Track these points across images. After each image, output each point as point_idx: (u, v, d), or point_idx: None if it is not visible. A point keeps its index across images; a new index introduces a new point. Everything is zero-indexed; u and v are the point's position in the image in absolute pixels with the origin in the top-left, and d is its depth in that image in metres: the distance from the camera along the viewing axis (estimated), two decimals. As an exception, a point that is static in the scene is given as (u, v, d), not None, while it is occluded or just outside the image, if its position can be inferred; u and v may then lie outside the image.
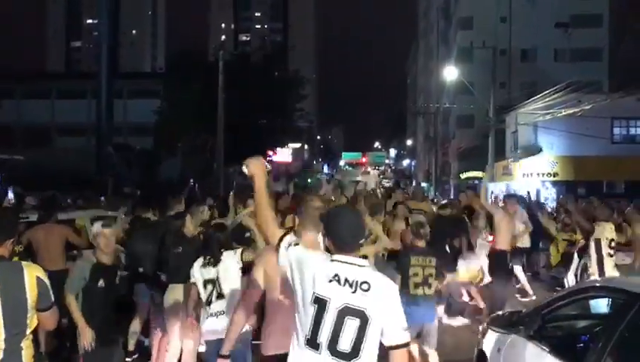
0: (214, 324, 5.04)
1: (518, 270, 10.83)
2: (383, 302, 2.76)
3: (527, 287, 10.72)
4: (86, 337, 4.59)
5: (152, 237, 6.45)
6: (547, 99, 25.53)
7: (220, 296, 5.10)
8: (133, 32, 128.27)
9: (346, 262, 2.80)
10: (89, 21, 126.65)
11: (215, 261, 5.14)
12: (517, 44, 47.28)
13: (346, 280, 2.75)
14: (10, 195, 11.67)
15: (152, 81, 46.20)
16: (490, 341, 4.74)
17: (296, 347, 2.85)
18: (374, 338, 2.74)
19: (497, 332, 4.38)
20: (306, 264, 2.84)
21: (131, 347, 7.01)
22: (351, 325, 2.72)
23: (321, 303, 2.75)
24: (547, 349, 3.78)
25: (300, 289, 2.85)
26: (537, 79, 39.88)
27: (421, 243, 6.20)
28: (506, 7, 48.41)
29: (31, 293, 3.16)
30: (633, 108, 26.50)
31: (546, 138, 29.20)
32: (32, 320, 3.22)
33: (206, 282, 5.15)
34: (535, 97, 27.52)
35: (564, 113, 24.74)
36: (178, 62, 36.09)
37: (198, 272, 5.20)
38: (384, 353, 2.81)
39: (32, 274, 3.18)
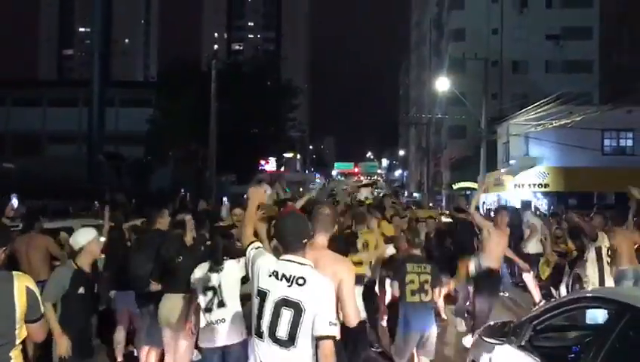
0: (213, 332, 5.01)
1: (527, 278, 10.61)
2: (317, 295, 3.07)
3: (537, 297, 10.47)
4: (62, 346, 4.48)
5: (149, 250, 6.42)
6: (538, 111, 25.68)
7: (222, 304, 5.05)
8: (126, 40, 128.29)
9: (289, 261, 3.18)
10: (81, 29, 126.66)
11: (217, 268, 5.11)
12: (508, 55, 47.66)
13: (283, 276, 3.13)
14: (15, 203, 11.50)
15: (144, 89, 46.13)
16: (481, 351, 4.72)
17: (252, 336, 3.27)
18: (308, 328, 3.04)
19: (489, 342, 4.36)
20: (255, 262, 3.28)
21: (119, 357, 6.96)
22: (286, 315, 3.06)
23: (262, 295, 3.15)
24: (538, 359, 3.77)
25: (251, 284, 3.28)
26: (528, 90, 40.16)
27: (416, 251, 6.30)
28: (498, 19, 48.85)
29: (20, 304, 3.10)
30: (623, 120, 26.70)
31: (538, 149, 29.36)
32: (21, 331, 3.16)
33: (206, 289, 5.11)
34: (526, 108, 27.68)
35: (555, 124, 24.88)
36: (170, 71, 36.05)
37: (200, 278, 5.17)
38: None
39: (21, 285, 3.13)
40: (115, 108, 42.24)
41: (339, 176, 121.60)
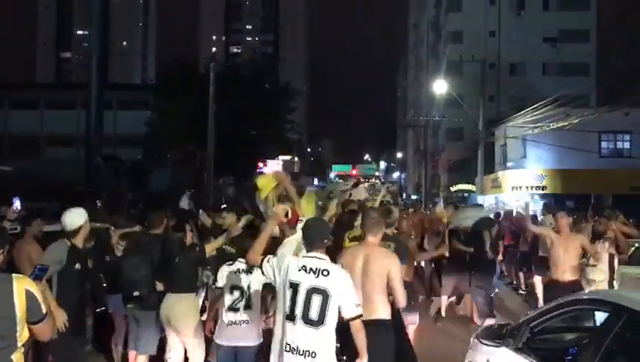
0: (235, 332, 5.14)
1: (537, 280, 10.59)
2: (339, 283, 3.86)
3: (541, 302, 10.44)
4: (59, 318, 4.51)
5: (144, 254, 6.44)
6: (536, 113, 25.75)
7: (248, 306, 5.17)
8: (124, 43, 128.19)
9: (313, 257, 3.95)
10: (79, 32, 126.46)
11: (250, 269, 5.18)
12: (506, 58, 47.78)
13: (311, 269, 3.88)
14: (17, 205, 11.46)
15: (143, 92, 46.21)
16: (478, 353, 4.74)
17: (278, 323, 3.96)
18: (334, 310, 3.83)
19: (486, 344, 4.38)
20: (282, 261, 4.00)
21: (117, 360, 6.95)
22: (316, 300, 3.80)
23: (294, 286, 3.86)
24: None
25: (279, 281, 3.98)
26: (526, 93, 40.22)
27: (387, 230, 6.06)
28: (495, 21, 48.97)
29: (20, 306, 3.08)
30: (620, 122, 26.76)
31: (535, 151, 29.42)
32: (23, 333, 3.14)
33: (234, 288, 5.21)
34: (524, 111, 27.75)
35: (552, 127, 24.95)
36: (168, 73, 36.04)
37: (227, 277, 5.26)
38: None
39: (21, 287, 3.11)
40: (113, 110, 42.21)
41: (336, 179, 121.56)
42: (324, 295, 3.80)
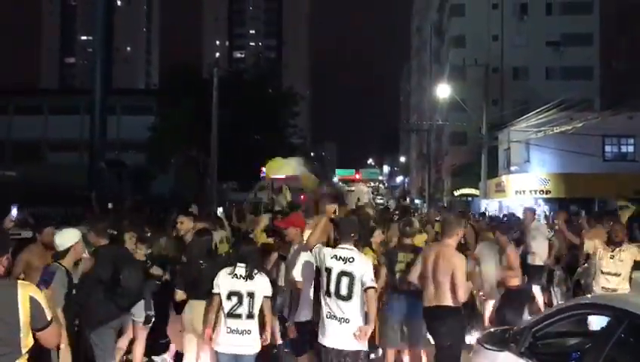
0: (235, 340, 5.13)
1: (536, 290, 10.35)
2: (362, 267, 5.01)
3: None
4: (66, 358, 4.63)
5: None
6: (539, 117, 25.70)
7: (251, 315, 5.17)
8: (128, 48, 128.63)
9: (343, 248, 5.14)
10: (83, 37, 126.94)
11: (249, 275, 5.19)
12: (509, 62, 47.74)
13: (341, 257, 5.07)
14: (14, 213, 11.47)
15: (146, 97, 46.26)
16: (481, 358, 4.72)
17: (321, 297, 5.18)
18: (359, 287, 4.96)
19: (489, 349, 4.37)
20: (321, 252, 5.22)
21: None
22: (345, 281, 4.99)
23: (328, 271, 5.06)
24: (538, 366, 3.78)
25: (321, 265, 5.17)
26: (529, 97, 40.18)
27: (407, 241, 6.47)
28: (498, 25, 48.97)
29: (24, 313, 3.07)
30: (624, 125, 26.67)
31: (539, 155, 29.36)
32: (27, 340, 3.12)
33: (231, 294, 5.17)
34: (527, 115, 27.70)
35: (556, 131, 24.89)
36: (172, 78, 36.11)
37: (224, 283, 5.21)
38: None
39: (25, 294, 3.10)
40: (116, 115, 42.32)
41: (340, 183, 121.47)
42: (351, 276, 4.95)
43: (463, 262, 5.58)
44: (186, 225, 6.71)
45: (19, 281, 3.20)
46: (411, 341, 6.36)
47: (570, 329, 4.36)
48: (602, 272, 6.93)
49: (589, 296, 6.34)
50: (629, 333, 3.19)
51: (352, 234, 5.21)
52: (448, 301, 5.53)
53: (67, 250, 4.98)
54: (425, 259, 5.80)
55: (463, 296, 5.46)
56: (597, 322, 4.58)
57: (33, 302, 3.11)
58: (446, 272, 5.51)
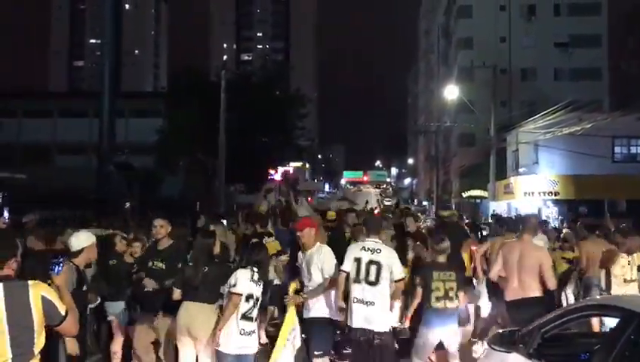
0: (242, 340, 5.24)
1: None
2: (388, 257, 5.90)
3: None
4: (73, 346, 4.68)
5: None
6: (548, 118, 25.59)
7: (256, 318, 5.41)
8: (136, 51, 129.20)
9: (370, 240, 6.01)
10: (92, 41, 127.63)
11: (260, 281, 5.37)
12: (517, 63, 47.64)
13: (369, 248, 5.92)
14: (6, 215, 11.62)
15: (154, 100, 46.44)
16: (491, 359, 4.71)
17: (350, 284, 5.86)
18: (386, 275, 5.80)
19: (498, 350, 4.35)
20: (350, 247, 6.21)
21: None
22: (373, 269, 5.79)
23: (358, 260, 5.86)
24: (547, 367, 3.77)
25: (348, 257, 5.93)
26: (537, 98, 40.06)
27: (441, 258, 6.36)
28: (506, 27, 48.89)
29: (37, 312, 3.11)
30: (634, 126, 26.48)
31: (547, 157, 29.23)
32: (40, 340, 3.16)
33: (249, 297, 5.30)
34: (536, 116, 27.58)
35: (564, 132, 24.77)
36: (180, 81, 36.23)
37: (245, 285, 5.29)
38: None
39: (37, 293, 3.14)
40: (125, 118, 42.50)
41: (348, 185, 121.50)
42: (378, 265, 5.78)
43: (547, 254, 6.48)
44: (164, 230, 6.35)
45: (29, 282, 3.21)
46: (438, 351, 6.35)
47: (579, 330, 4.32)
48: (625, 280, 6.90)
49: (597, 296, 6.33)
50: (638, 334, 3.17)
51: (378, 230, 6.21)
52: (535, 292, 6.18)
53: (80, 251, 5.16)
54: (505, 256, 6.40)
55: (553, 285, 6.26)
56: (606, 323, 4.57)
57: (45, 301, 3.15)
58: (532, 266, 6.22)
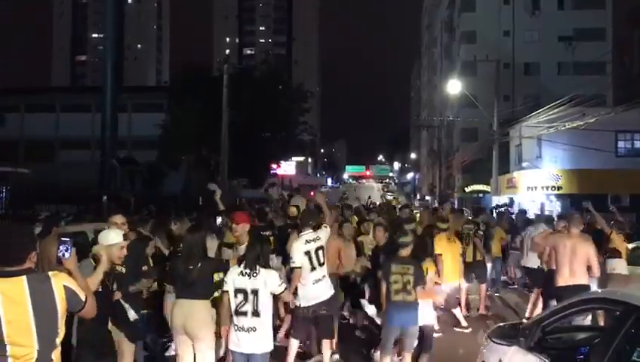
0: (242, 338, 5.11)
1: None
2: (324, 240, 6.69)
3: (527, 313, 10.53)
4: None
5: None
6: (551, 113, 25.54)
7: (256, 313, 5.11)
8: (138, 46, 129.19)
9: (307, 233, 6.65)
10: (94, 35, 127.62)
11: (250, 272, 5.15)
12: (520, 57, 47.50)
13: (310, 240, 6.52)
14: None
15: (157, 94, 46.46)
16: (491, 352, 4.72)
17: (307, 274, 6.45)
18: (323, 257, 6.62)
19: (498, 343, 4.37)
20: (295, 244, 6.66)
21: None
22: (320, 253, 6.55)
23: (307, 253, 6.47)
24: (547, 360, 3.77)
25: (298, 252, 6.47)
26: (541, 92, 39.94)
27: (403, 252, 6.43)
28: (509, 21, 48.71)
29: (61, 302, 3.16)
30: (637, 121, 26.41)
31: (550, 151, 29.17)
32: (62, 330, 3.21)
33: (237, 291, 5.16)
34: (539, 110, 27.52)
35: (568, 126, 24.71)
36: (182, 76, 36.25)
37: (231, 280, 5.19)
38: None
39: (59, 283, 3.19)
40: (127, 113, 42.54)
41: (350, 180, 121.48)
42: (323, 249, 6.69)
43: (594, 246, 7.26)
44: (125, 228, 5.93)
45: (50, 273, 3.25)
46: (403, 346, 6.47)
47: (580, 324, 4.33)
48: None
49: (598, 290, 6.37)
50: (637, 328, 3.17)
51: (311, 222, 6.65)
52: (583, 279, 6.98)
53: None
54: (557, 247, 7.22)
55: (598, 272, 7.09)
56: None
57: (68, 291, 3.21)
58: (582, 256, 7.03)
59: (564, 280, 7.07)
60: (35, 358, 3.07)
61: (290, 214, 9.83)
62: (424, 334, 6.79)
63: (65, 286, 3.20)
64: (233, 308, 5.14)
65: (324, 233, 6.68)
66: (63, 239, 3.56)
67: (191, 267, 5.41)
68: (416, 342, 6.58)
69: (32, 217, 13.21)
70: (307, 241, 6.49)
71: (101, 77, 22.00)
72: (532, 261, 10.23)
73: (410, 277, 6.23)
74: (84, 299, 3.29)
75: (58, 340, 3.19)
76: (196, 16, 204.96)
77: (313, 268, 6.44)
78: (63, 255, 3.52)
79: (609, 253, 8.92)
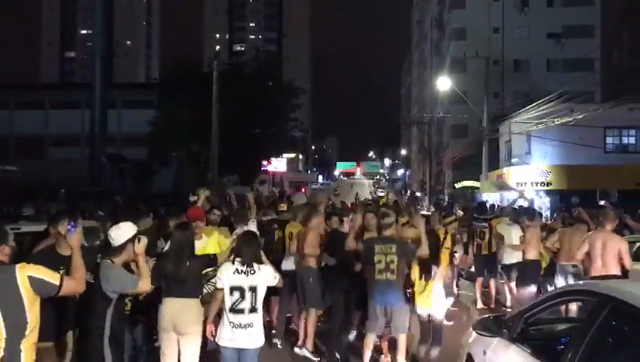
0: (238, 334, 5.11)
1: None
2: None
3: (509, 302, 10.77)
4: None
5: None
6: (540, 109, 25.69)
7: (254, 309, 5.13)
8: (128, 42, 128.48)
9: (240, 228, 7.09)
10: (83, 31, 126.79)
11: (246, 269, 5.15)
12: (510, 54, 47.73)
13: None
14: None
15: (146, 91, 46.26)
16: (476, 344, 4.80)
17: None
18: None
19: (483, 335, 4.43)
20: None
21: None
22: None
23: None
24: (529, 351, 3.84)
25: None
26: (530, 89, 40.14)
27: (385, 232, 6.53)
28: (499, 18, 48.91)
29: (26, 293, 3.25)
30: (625, 117, 26.68)
31: (539, 147, 29.35)
32: (32, 313, 3.30)
33: (233, 289, 5.14)
34: (528, 107, 27.68)
35: (557, 123, 24.88)
36: (172, 72, 36.12)
37: (226, 278, 5.17)
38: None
39: (23, 275, 3.28)
40: (117, 110, 42.39)
41: (341, 176, 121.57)
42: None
43: (625, 241, 7.98)
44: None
45: (17, 265, 3.36)
46: (394, 328, 6.55)
47: (560, 316, 4.40)
48: None
49: (580, 282, 6.48)
50: (611, 318, 3.26)
51: (244, 219, 7.35)
52: (614, 270, 7.51)
53: (123, 247, 4.56)
54: (592, 242, 7.72)
55: (629, 265, 7.55)
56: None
57: (33, 280, 3.30)
58: (613, 249, 7.55)
59: (596, 271, 7.65)
60: (2, 347, 3.18)
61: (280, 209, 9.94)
62: (433, 328, 6.83)
63: (30, 277, 3.29)
64: (229, 305, 5.13)
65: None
66: (71, 219, 3.93)
67: (180, 265, 5.34)
68: (407, 331, 6.62)
69: (16, 214, 13.21)
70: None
71: (90, 73, 21.96)
72: (510, 258, 10.53)
73: (393, 257, 6.33)
74: (58, 283, 3.39)
75: (28, 330, 3.28)
76: (186, 13, 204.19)
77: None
78: (71, 231, 3.81)
79: None
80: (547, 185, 28.86)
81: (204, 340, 5.60)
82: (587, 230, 8.77)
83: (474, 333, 4.71)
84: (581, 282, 6.07)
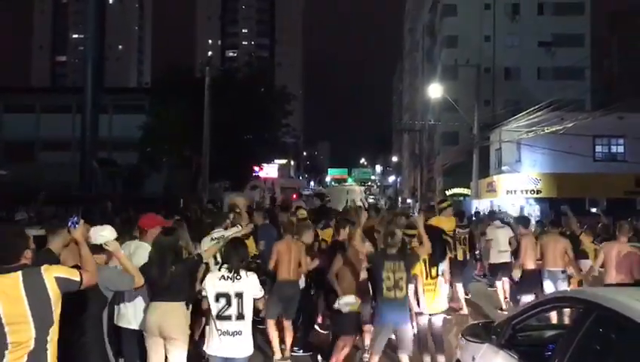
0: (226, 342, 5.05)
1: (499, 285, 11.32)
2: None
3: (503, 304, 11.02)
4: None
5: None
6: (530, 117, 25.88)
7: (241, 316, 5.08)
8: (120, 46, 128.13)
9: (216, 231, 7.26)
10: (75, 36, 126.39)
11: (232, 276, 5.11)
12: (501, 62, 48.04)
13: (216, 238, 6.75)
14: None
15: (138, 96, 46.07)
16: (465, 351, 4.84)
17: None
18: None
19: (472, 341, 4.48)
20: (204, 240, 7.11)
21: None
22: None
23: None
24: (516, 357, 3.89)
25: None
26: (521, 97, 40.47)
27: (392, 250, 6.50)
28: (490, 26, 49.24)
29: (53, 293, 3.46)
30: (614, 126, 26.90)
31: (529, 155, 29.53)
32: (56, 312, 3.50)
33: (219, 296, 5.09)
34: (518, 115, 27.87)
35: (547, 131, 25.06)
36: (164, 77, 36.02)
37: (211, 285, 5.14)
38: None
39: (50, 276, 3.48)
40: (108, 114, 42.17)
41: (332, 183, 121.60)
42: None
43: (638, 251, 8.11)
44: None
45: (42, 267, 3.54)
46: (399, 347, 6.47)
47: (548, 322, 4.46)
48: None
49: (568, 289, 6.54)
50: (596, 324, 3.31)
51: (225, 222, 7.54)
52: (628, 279, 7.58)
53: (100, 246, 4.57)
54: (607, 253, 7.91)
55: (638, 275, 7.71)
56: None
57: (59, 279, 3.52)
58: (627, 259, 7.74)
59: (611, 279, 7.87)
60: (32, 346, 3.38)
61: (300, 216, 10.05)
62: (433, 334, 6.94)
63: (56, 278, 3.50)
64: (215, 312, 5.08)
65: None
66: (71, 216, 4.03)
67: (164, 269, 5.33)
68: (407, 342, 6.54)
69: (9, 219, 13.20)
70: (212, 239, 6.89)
71: (82, 78, 21.80)
72: (497, 258, 11.27)
73: (402, 274, 6.31)
74: (79, 279, 3.62)
75: (52, 328, 3.48)
76: (179, 18, 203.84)
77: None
78: (73, 226, 3.93)
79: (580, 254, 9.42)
80: (537, 193, 29.04)
81: (201, 351, 5.58)
82: (566, 237, 9.19)
83: (462, 340, 4.75)
84: (568, 289, 6.15)
